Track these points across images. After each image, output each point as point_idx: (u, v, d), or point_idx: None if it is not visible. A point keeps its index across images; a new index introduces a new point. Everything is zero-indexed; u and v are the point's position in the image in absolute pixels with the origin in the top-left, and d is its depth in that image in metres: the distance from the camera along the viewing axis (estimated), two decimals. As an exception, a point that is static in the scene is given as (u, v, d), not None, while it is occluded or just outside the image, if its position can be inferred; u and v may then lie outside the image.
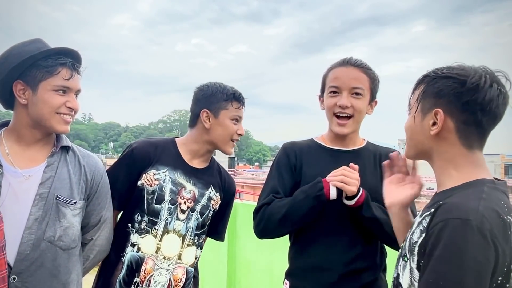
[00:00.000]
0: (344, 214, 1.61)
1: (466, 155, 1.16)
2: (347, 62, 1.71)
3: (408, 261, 1.13)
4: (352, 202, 1.56)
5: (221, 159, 4.46)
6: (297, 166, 1.73)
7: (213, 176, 1.94)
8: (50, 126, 1.51)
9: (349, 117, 1.67)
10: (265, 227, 1.67)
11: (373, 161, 1.73)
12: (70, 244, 1.55)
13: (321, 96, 1.79)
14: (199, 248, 1.90)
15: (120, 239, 1.79)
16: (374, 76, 1.73)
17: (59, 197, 1.52)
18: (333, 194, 1.55)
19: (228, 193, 2.01)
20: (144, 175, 1.80)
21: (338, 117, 1.68)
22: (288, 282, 1.72)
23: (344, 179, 1.52)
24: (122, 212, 1.86)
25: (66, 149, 1.61)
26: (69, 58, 1.52)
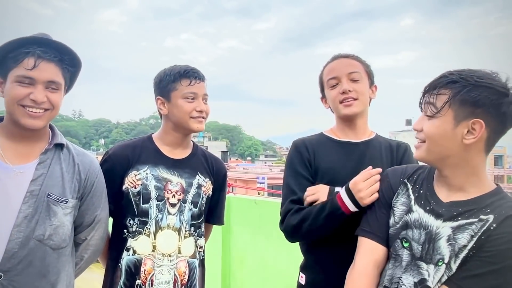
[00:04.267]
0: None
1: (484, 161, 1.23)
2: (338, 56, 1.75)
3: (446, 264, 1.17)
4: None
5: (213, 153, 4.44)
6: (311, 160, 1.71)
7: (198, 163, 1.90)
8: (16, 120, 1.44)
9: (354, 99, 1.66)
10: (292, 238, 1.68)
11: (384, 152, 1.71)
12: (61, 243, 1.51)
13: (323, 96, 1.79)
14: (198, 237, 1.85)
15: (118, 246, 1.77)
16: (365, 62, 1.76)
17: (50, 195, 1.48)
18: (352, 207, 1.49)
19: (218, 176, 1.95)
20: (126, 178, 1.77)
21: (344, 104, 1.68)
22: (304, 276, 1.70)
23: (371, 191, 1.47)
24: (117, 219, 1.83)
25: (60, 146, 1.58)
26: (41, 48, 1.44)
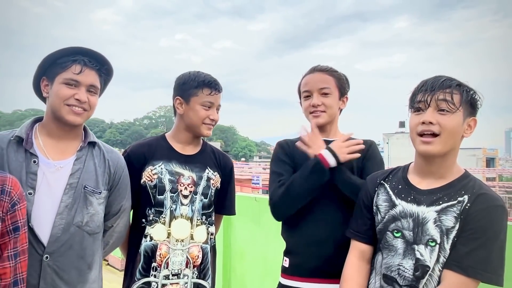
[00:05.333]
0: (326, 188, 1.81)
1: None
2: (314, 70, 1.99)
3: (438, 244, 1.39)
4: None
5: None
6: (292, 154, 1.97)
7: (208, 158, 2.11)
8: (60, 117, 1.67)
9: (322, 112, 1.92)
10: (280, 208, 1.88)
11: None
12: (95, 229, 1.74)
13: (301, 104, 2.04)
14: (209, 225, 2.06)
15: (138, 234, 1.98)
16: (340, 76, 1.98)
17: (86, 187, 1.70)
18: (332, 162, 1.77)
19: (225, 169, 2.17)
20: (143, 173, 1.99)
21: (313, 114, 1.94)
22: (287, 259, 1.93)
23: (307, 143, 1.85)
24: (136, 210, 2.05)
25: (92, 144, 1.80)
26: (86, 57, 1.69)
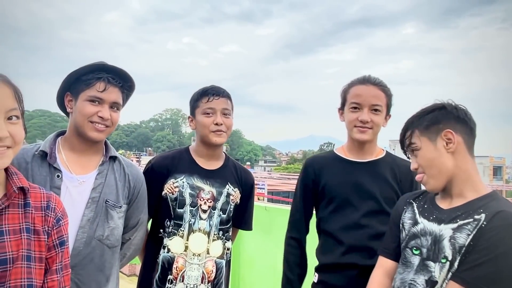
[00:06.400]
0: (360, 214, 1.87)
1: (474, 164, 1.49)
2: (367, 81, 1.91)
3: (449, 261, 1.39)
4: None
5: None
6: (316, 180, 2.00)
7: (229, 174, 2.11)
8: (83, 133, 1.70)
9: (369, 129, 1.88)
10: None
11: (389, 172, 1.95)
12: (115, 242, 1.76)
13: (341, 109, 2.00)
14: (226, 240, 2.07)
15: (156, 244, 2.01)
16: (390, 93, 1.94)
17: (108, 201, 1.73)
18: None
19: (246, 186, 2.17)
20: (165, 185, 2.01)
21: (358, 128, 1.89)
22: (317, 275, 2.00)
23: None
24: (155, 220, 2.08)
25: (113, 158, 1.83)
26: (110, 74, 1.72)
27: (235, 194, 2.10)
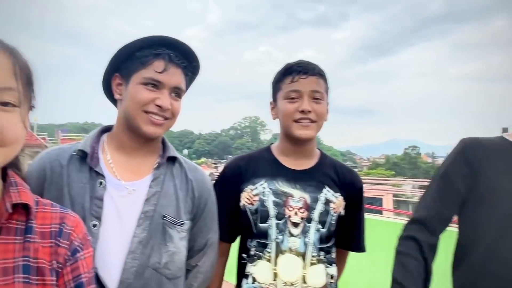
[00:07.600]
0: None
1: None
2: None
3: None
4: None
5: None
6: (475, 162, 1.41)
7: (326, 174, 1.58)
8: (136, 127, 1.28)
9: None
10: None
11: None
12: (177, 272, 1.31)
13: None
14: (328, 264, 1.53)
15: (239, 273, 1.56)
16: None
17: (165, 217, 1.29)
18: None
19: (352, 189, 1.60)
20: (242, 194, 1.55)
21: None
22: None
23: None
24: (235, 242, 1.63)
25: (172, 160, 1.39)
26: (170, 50, 1.29)
27: (337, 202, 1.54)
